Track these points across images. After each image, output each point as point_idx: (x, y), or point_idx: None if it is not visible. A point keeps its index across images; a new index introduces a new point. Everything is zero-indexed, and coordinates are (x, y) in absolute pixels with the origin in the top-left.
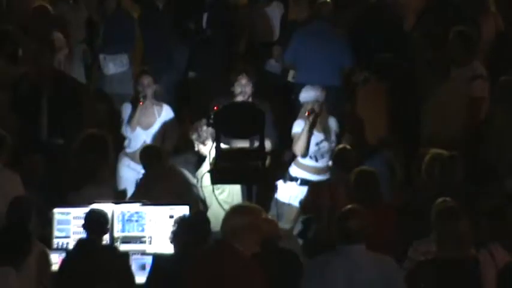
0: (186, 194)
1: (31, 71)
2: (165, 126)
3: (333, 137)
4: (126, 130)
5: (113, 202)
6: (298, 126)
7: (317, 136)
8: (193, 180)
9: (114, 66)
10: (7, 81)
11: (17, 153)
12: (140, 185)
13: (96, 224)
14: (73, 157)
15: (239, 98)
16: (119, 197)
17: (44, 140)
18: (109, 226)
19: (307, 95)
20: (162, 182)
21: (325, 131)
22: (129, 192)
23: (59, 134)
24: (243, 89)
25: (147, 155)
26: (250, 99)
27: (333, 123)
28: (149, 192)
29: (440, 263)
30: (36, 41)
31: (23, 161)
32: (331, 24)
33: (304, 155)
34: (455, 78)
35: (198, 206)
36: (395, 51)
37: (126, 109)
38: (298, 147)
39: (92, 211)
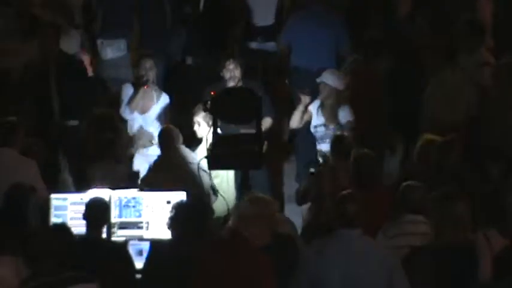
0: (199, 180)
1: (37, 55)
2: (162, 113)
3: (336, 125)
4: (124, 111)
5: (109, 188)
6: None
7: (318, 119)
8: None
9: (111, 51)
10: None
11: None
12: (154, 168)
13: (97, 214)
14: (86, 136)
15: (230, 83)
16: (132, 179)
17: (58, 123)
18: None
19: (323, 76)
20: (177, 168)
21: (329, 117)
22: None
23: (72, 116)
24: (231, 74)
25: (166, 138)
26: (241, 83)
27: (342, 112)
28: (162, 177)
29: (437, 248)
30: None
31: (24, 145)
32: (327, 6)
33: (295, 127)
34: (463, 65)
35: (209, 193)
36: (391, 33)
37: (127, 90)
38: (292, 119)
39: (92, 200)
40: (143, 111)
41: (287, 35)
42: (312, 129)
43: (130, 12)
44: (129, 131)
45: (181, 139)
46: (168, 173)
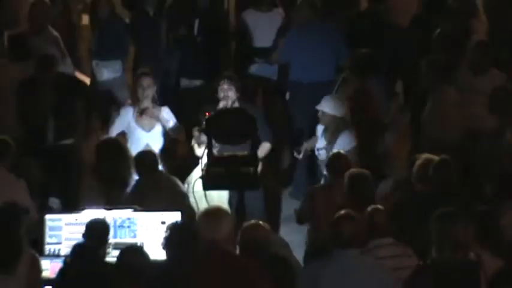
0: (179, 203)
1: (37, 75)
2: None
3: (335, 151)
4: (128, 130)
5: (104, 208)
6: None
7: (320, 142)
8: (184, 189)
9: (107, 72)
10: (13, 86)
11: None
12: (133, 192)
13: (98, 234)
14: (97, 165)
15: (222, 103)
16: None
17: (51, 143)
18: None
19: (321, 104)
20: (156, 191)
21: (330, 141)
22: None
23: (65, 136)
24: (225, 94)
25: (142, 163)
26: (236, 104)
27: (343, 138)
28: (142, 201)
29: (437, 267)
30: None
31: (18, 165)
32: (327, 22)
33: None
34: (476, 85)
35: (190, 214)
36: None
37: (127, 111)
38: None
39: (93, 221)
40: (149, 129)
41: (288, 49)
42: (316, 152)
43: (126, 33)
44: (134, 149)
45: (158, 163)
46: (145, 199)
